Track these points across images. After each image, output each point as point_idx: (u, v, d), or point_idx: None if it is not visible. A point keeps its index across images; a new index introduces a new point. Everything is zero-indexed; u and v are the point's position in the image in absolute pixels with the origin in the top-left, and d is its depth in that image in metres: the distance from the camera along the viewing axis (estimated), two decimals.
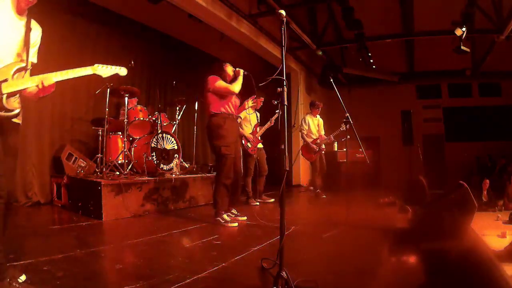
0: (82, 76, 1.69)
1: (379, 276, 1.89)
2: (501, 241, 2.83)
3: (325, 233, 2.84)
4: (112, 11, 5.15)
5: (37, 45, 1.72)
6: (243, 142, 4.57)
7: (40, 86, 1.58)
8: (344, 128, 4.21)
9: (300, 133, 5.66)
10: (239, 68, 3.30)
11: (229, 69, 3.32)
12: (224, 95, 3.23)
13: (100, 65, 1.76)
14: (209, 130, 3.25)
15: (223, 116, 3.21)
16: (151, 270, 1.87)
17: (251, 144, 4.65)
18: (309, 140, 5.51)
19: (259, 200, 4.81)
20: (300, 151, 5.73)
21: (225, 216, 3.20)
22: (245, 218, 3.46)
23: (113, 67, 1.80)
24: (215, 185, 3.26)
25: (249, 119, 4.71)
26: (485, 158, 7.74)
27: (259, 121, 4.86)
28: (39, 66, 1.72)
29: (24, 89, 1.58)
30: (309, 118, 5.61)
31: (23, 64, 1.61)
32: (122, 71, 1.84)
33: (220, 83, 3.19)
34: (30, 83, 1.58)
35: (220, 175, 3.20)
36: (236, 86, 3.18)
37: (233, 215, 3.42)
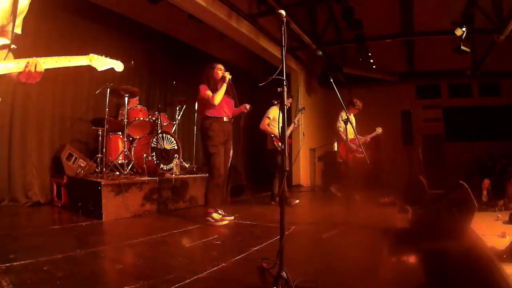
0: (78, 67, 1.52)
1: (379, 276, 1.89)
2: (501, 241, 2.83)
3: (325, 233, 2.83)
4: (112, 11, 5.15)
5: (23, 13, 1.47)
6: (274, 141, 4.63)
7: (27, 70, 1.37)
8: (380, 131, 4.16)
9: (337, 130, 5.32)
10: (228, 73, 3.36)
11: (219, 73, 3.39)
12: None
13: (96, 56, 1.61)
14: (200, 133, 3.46)
15: (213, 119, 3.36)
16: (151, 270, 1.87)
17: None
18: (349, 138, 5.12)
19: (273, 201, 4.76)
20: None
21: (214, 215, 3.24)
22: (232, 217, 3.47)
23: (110, 60, 1.67)
24: (207, 184, 3.36)
25: (277, 119, 4.70)
26: (485, 158, 7.73)
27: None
28: None
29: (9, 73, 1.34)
30: (345, 116, 5.38)
31: (7, 41, 1.39)
32: (119, 65, 1.71)
33: (204, 95, 3.32)
34: (17, 66, 1.37)
35: (210, 175, 3.31)
36: (217, 98, 3.27)
37: (221, 215, 3.43)
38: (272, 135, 4.65)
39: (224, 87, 3.30)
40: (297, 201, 4.83)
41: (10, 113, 3.97)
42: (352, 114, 5.46)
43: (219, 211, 3.44)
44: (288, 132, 4.73)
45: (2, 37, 1.40)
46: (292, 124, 4.85)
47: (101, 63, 1.63)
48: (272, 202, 4.67)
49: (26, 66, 1.38)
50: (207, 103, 3.32)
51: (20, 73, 1.39)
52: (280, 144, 4.59)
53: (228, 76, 3.32)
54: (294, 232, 2.91)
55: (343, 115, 5.34)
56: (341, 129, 5.30)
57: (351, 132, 5.35)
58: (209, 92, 3.31)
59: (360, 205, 4.75)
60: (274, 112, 4.73)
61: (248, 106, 3.55)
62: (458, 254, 1.76)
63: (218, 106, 3.34)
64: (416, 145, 7.61)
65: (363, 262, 2.18)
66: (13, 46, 1.41)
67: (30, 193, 4.05)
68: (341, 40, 7.11)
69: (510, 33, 5.44)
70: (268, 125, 4.71)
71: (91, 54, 1.59)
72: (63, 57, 1.46)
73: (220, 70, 3.39)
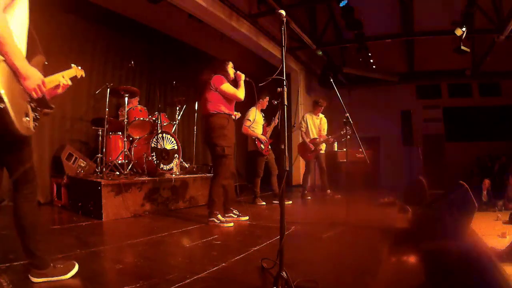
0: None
1: (379, 276, 1.89)
2: (501, 241, 2.83)
3: (325, 233, 2.84)
4: (112, 11, 5.15)
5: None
6: (256, 143, 4.63)
7: (64, 83, 1.63)
8: (345, 131, 4.27)
9: (300, 132, 5.63)
10: (239, 71, 3.29)
11: (231, 70, 3.30)
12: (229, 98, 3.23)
13: (76, 66, 1.88)
14: (210, 130, 3.17)
15: (226, 116, 3.20)
16: (151, 270, 1.87)
17: (264, 145, 4.68)
18: (307, 139, 5.47)
19: (275, 201, 4.69)
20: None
21: (219, 216, 3.19)
22: (247, 218, 3.46)
23: (82, 69, 1.93)
24: (212, 185, 3.21)
25: (258, 120, 4.74)
26: (485, 158, 7.74)
27: (265, 121, 4.91)
28: None
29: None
30: (308, 117, 5.56)
31: (44, 59, 1.57)
32: (84, 73, 1.97)
33: (228, 88, 3.17)
34: (52, 81, 1.58)
35: (219, 176, 3.19)
36: (242, 94, 3.19)
37: (235, 216, 3.43)
38: (254, 137, 4.66)
39: (243, 84, 3.20)
40: (264, 203, 4.66)
41: None
42: (320, 114, 5.67)
43: (234, 211, 3.46)
44: (269, 133, 4.81)
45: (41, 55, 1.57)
46: (273, 123, 4.86)
47: (79, 71, 1.91)
48: (261, 204, 4.64)
49: (63, 80, 1.66)
50: (226, 97, 3.16)
51: (56, 86, 1.63)
52: (262, 146, 4.66)
53: (242, 76, 3.23)
54: (294, 232, 2.91)
55: (307, 116, 5.52)
56: (303, 129, 5.49)
57: (313, 132, 5.49)
58: (230, 87, 3.17)
59: (360, 205, 4.75)
60: (253, 114, 4.69)
61: (237, 116, 3.56)
62: (458, 254, 1.76)
63: (232, 103, 3.24)
64: (416, 145, 7.62)
65: (363, 262, 2.18)
66: (45, 62, 1.59)
67: None
68: (341, 40, 7.12)
69: (510, 33, 5.44)
70: (249, 127, 4.71)
71: (73, 65, 1.85)
72: (66, 71, 1.75)
73: (232, 68, 3.30)
